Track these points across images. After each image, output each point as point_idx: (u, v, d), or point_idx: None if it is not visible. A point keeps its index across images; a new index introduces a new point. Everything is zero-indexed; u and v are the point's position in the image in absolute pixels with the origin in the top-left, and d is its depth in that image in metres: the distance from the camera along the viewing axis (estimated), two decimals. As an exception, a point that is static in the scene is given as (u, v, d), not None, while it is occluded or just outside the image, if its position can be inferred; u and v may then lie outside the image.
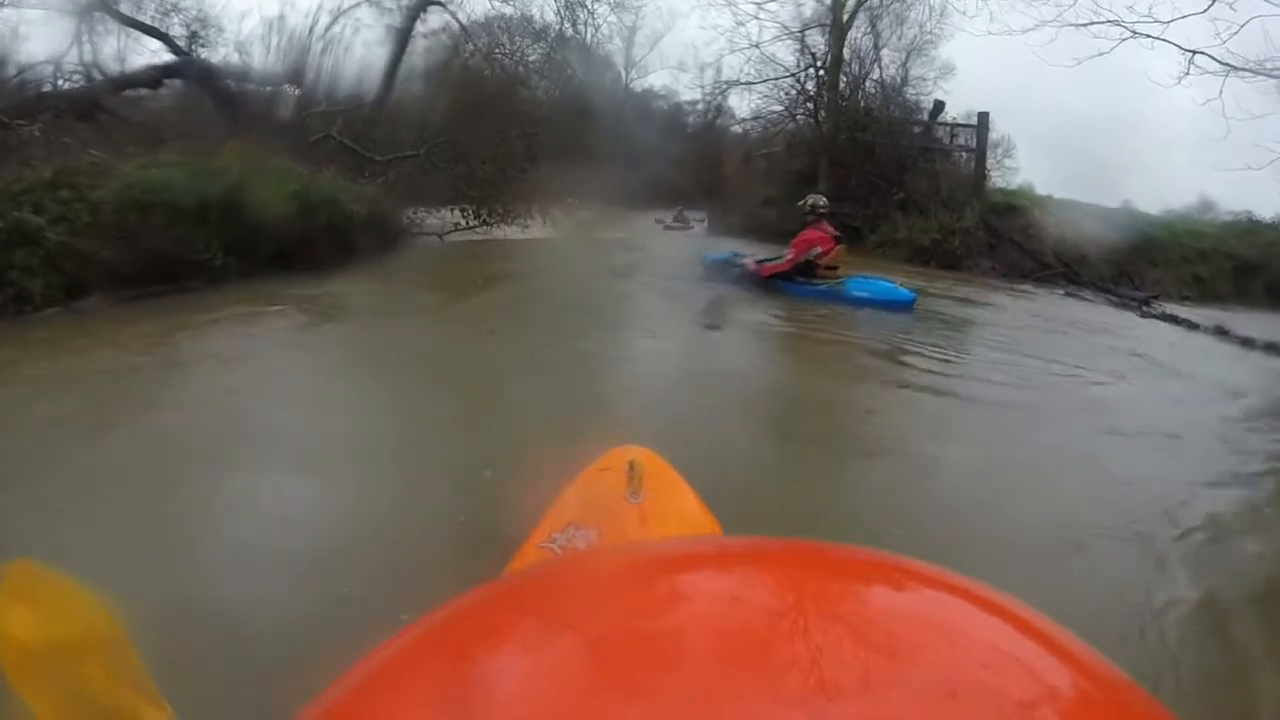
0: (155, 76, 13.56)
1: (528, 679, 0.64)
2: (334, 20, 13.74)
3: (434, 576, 2.44)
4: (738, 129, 17.28)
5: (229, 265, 8.25)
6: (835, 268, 8.87)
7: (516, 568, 1.56)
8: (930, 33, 15.52)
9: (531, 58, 17.92)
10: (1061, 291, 12.41)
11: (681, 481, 1.90)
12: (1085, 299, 12.05)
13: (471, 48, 15.22)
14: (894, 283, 8.99)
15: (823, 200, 9.27)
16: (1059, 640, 0.69)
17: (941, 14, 15.34)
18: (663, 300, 8.74)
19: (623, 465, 1.79)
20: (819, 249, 8.76)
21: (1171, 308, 11.72)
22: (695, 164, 16.22)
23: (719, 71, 16.82)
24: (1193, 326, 10.41)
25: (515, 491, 2.00)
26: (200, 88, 13.89)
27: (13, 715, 0.62)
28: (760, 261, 9.15)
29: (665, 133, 17.11)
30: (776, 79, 15.93)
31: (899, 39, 15.55)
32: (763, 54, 15.85)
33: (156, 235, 7.55)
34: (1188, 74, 11.51)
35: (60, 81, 12.48)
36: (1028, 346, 7.85)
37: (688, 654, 0.64)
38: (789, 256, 8.93)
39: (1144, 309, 11.53)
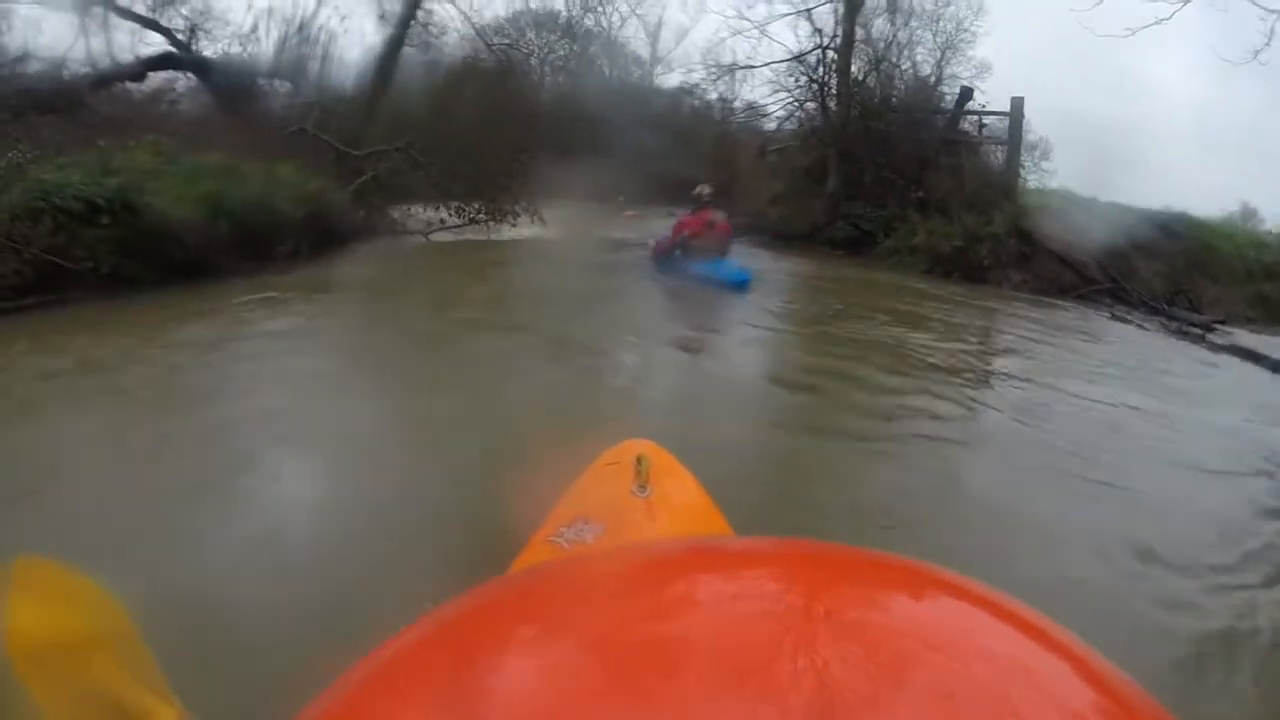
0: (139, 70, 11.88)
1: (530, 680, 0.57)
2: (318, 7, 11.76)
3: (440, 569, 2.16)
4: (748, 121, 14.44)
5: (124, 273, 6.61)
6: (723, 251, 8.75)
7: (524, 561, 1.45)
8: (968, 29, 12.60)
9: (559, 53, 16.06)
10: (1107, 313, 9.54)
11: (688, 476, 1.78)
12: (1134, 323, 9.19)
13: (471, 38, 13.17)
14: (737, 264, 8.78)
15: (708, 189, 9.05)
16: (1075, 650, 0.61)
17: (979, 10, 12.45)
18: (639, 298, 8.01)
19: (630, 460, 1.66)
20: (686, 233, 8.65)
21: (1239, 335, 8.81)
22: (714, 160, 13.67)
23: (731, 56, 14.10)
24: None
25: (522, 486, 1.85)
26: (193, 80, 12.30)
27: (22, 712, 0.56)
28: (658, 242, 9.14)
29: (691, 129, 14.74)
30: (779, 61, 13.05)
31: (935, 36, 12.61)
32: (768, 35, 13.12)
33: (43, 241, 6.22)
34: (1269, 43, 8.49)
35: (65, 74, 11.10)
36: (1070, 386, 5.82)
37: (690, 656, 0.56)
38: (668, 240, 8.93)
39: (1207, 337, 8.67)
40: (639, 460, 1.62)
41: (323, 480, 3.14)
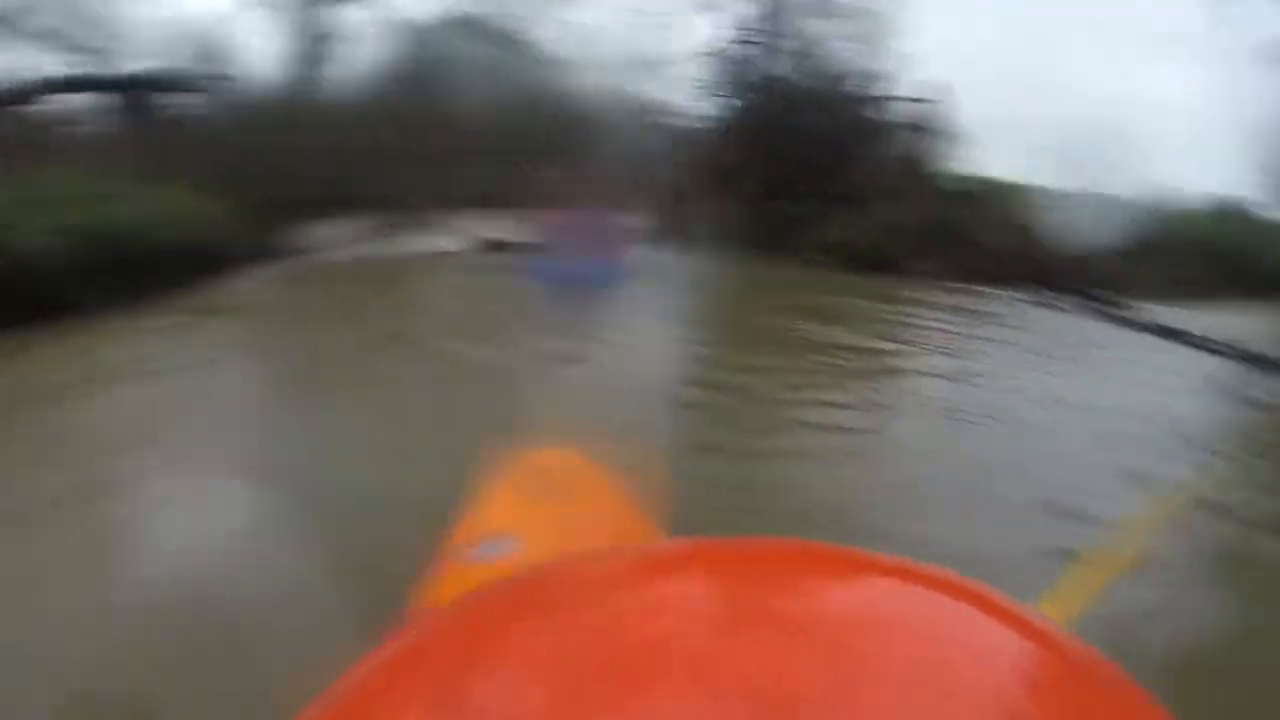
0: (36, 91, 11.16)
1: (529, 680, 0.55)
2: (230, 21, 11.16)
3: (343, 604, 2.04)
4: (668, 118, 13.73)
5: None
6: (607, 250, 8.36)
7: (441, 583, 1.28)
8: (893, 22, 12.00)
9: (481, 58, 15.47)
10: (1029, 298, 9.18)
11: (606, 478, 1.59)
12: (1056, 306, 8.91)
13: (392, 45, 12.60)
14: (610, 261, 8.31)
15: (591, 188, 8.69)
16: (1036, 625, 0.60)
17: (903, 2, 11.92)
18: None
19: (543, 466, 1.57)
20: (564, 232, 8.26)
21: (1159, 312, 8.62)
22: (631, 160, 12.98)
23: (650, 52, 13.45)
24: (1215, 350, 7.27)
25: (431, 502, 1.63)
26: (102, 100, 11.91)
27: None
28: (545, 244, 8.63)
29: (610, 129, 14.13)
30: (688, 56, 12.34)
31: (858, 29, 12.01)
32: (683, 28, 12.43)
33: None
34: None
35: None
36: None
37: (673, 656, 0.54)
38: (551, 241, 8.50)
39: (1128, 316, 8.45)
40: (552, 467, 1.56)
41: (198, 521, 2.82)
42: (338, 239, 10.45)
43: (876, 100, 11.88)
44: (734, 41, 11.88)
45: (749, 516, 3.13)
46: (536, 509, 1.47)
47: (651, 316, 7.00)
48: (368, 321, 6.62)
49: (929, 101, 11.23)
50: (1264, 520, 3.68)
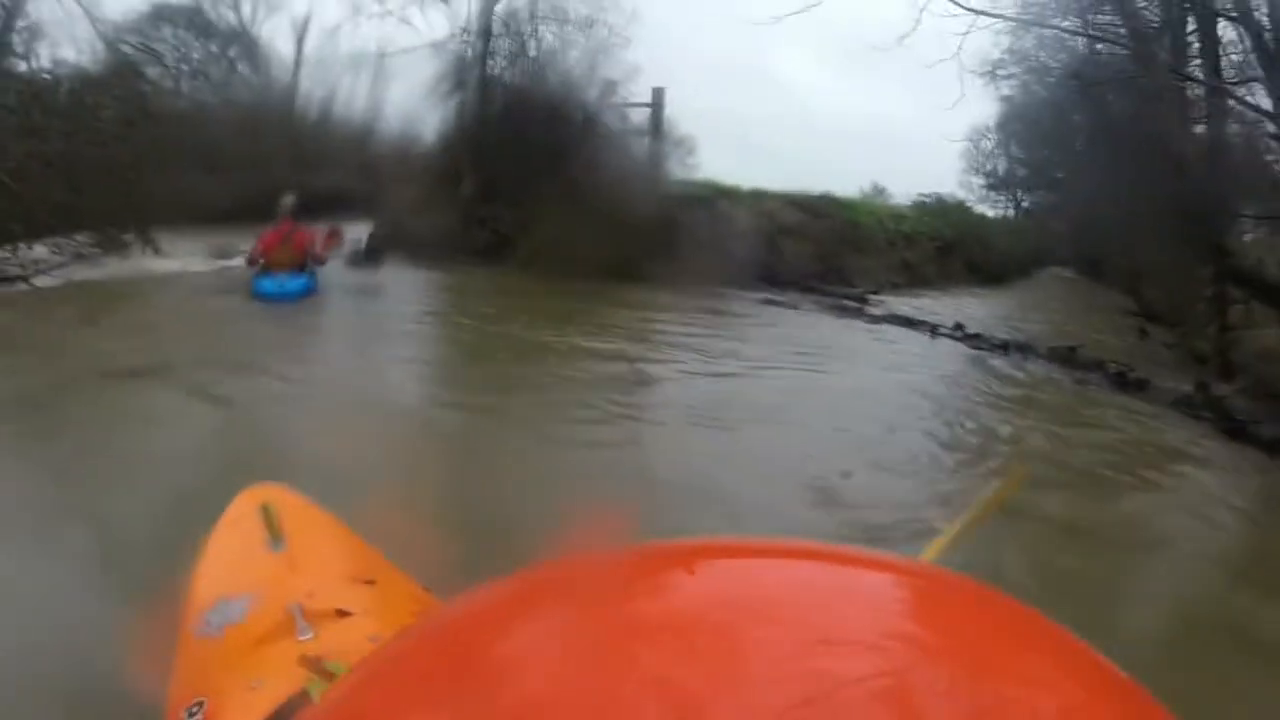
0: None
1: (531, 681, 0.53)
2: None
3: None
4: (392, 123, 12.98)
5: None
6: (302, 264, 7.93)
7: (181, 662, 1.25)
8: (620, 34, 11.68)
9: (195, 55, 13.97)
10: (762, 297, 9.26)
11: (324, 515, 1.55)
12: (790, 304, 9.07)
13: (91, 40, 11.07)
14: (303, 276, 7.89)
15: (290, 199, 8.07)
16: (1032, 621, 0.56)
17: (632, 16, 11.67)
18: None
19: (254, 512, 1.47)
20: (261, 247, 7.89)
21: (892, 303, 9.11)
22: (358, 167, 12.04)
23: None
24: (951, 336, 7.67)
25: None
26: None
27: None
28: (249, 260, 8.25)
29: (335, 135, 13.05)
30: (405, 50, 11.68)
31: (587, 39, 11.72)
32: (408, 23, 11.72)
33: None
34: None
35: None
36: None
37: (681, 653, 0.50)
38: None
39: (864, 309, 8.85)
40: (264, 511, 1.45)
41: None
42: (40, 263, 8.95)
43: (603, 106, 11.56)
44: (453, 40, 11.33)
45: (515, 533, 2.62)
46: (257, 560, 1.38)
47: (372, 335, 6.66)
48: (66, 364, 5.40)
49: (656, 107, 11.21)
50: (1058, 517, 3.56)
